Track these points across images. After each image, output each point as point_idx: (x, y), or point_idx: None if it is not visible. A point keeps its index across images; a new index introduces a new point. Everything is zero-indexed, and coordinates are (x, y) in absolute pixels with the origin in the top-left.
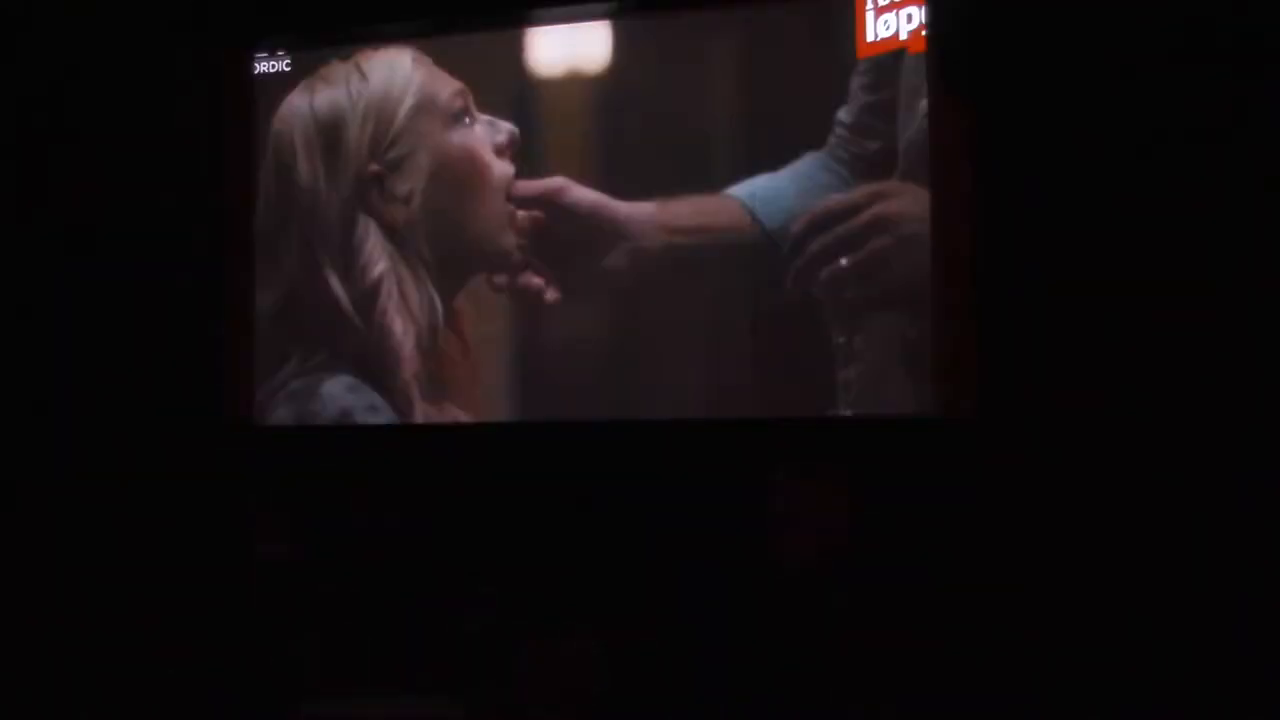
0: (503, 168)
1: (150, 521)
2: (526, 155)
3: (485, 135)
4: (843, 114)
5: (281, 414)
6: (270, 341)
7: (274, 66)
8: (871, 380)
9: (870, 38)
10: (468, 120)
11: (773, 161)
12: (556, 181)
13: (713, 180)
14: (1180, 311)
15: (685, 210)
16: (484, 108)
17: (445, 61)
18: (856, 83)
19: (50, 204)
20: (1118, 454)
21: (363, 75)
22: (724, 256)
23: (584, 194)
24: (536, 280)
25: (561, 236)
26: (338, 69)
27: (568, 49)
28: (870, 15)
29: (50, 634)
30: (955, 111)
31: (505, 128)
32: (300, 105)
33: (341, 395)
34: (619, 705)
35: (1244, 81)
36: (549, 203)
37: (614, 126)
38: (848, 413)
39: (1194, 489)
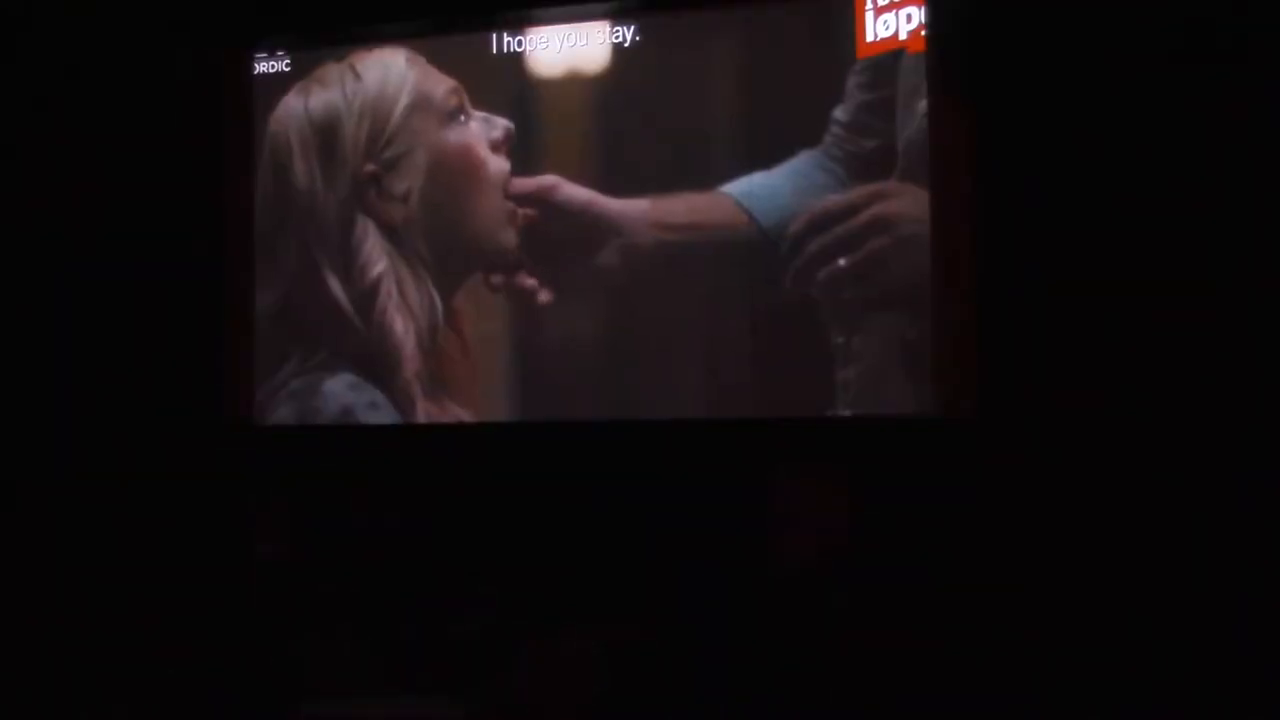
0: (499, 163)
1: (150, 521)
2: (523, 154)
3: (480, 132)
4: (839, 112)
5: (283, 413)
6: (270, 341)
7: (274, 66)
8: (871, 380)
9: (870, 38)
10: (462, 118)
11: (772, 161)
12: (548, 179)
13: (712, 180)
14: (1180, 311)
15: (679, 207)
16: (480, 106)
17: (439, 60)
18: (853, 81)
19: (50, 204)
20: (1118, 454)
21: (357, 76)
22: (719, 254)
23: (575, 191)
24: (530, 281)
25: (556, 235)
26: (332, 70)
27: (565, 48)
28: (870, 15)
29: (50, 634)
30: (955, 111)
31: (500, 124)
32: (295, 107)
33: (343, 393)
34: (619, 705)
35: (1244, 81)
36: (541, 201)
37: (611, 125)
38: (847, 413)
39: (1194, 489)
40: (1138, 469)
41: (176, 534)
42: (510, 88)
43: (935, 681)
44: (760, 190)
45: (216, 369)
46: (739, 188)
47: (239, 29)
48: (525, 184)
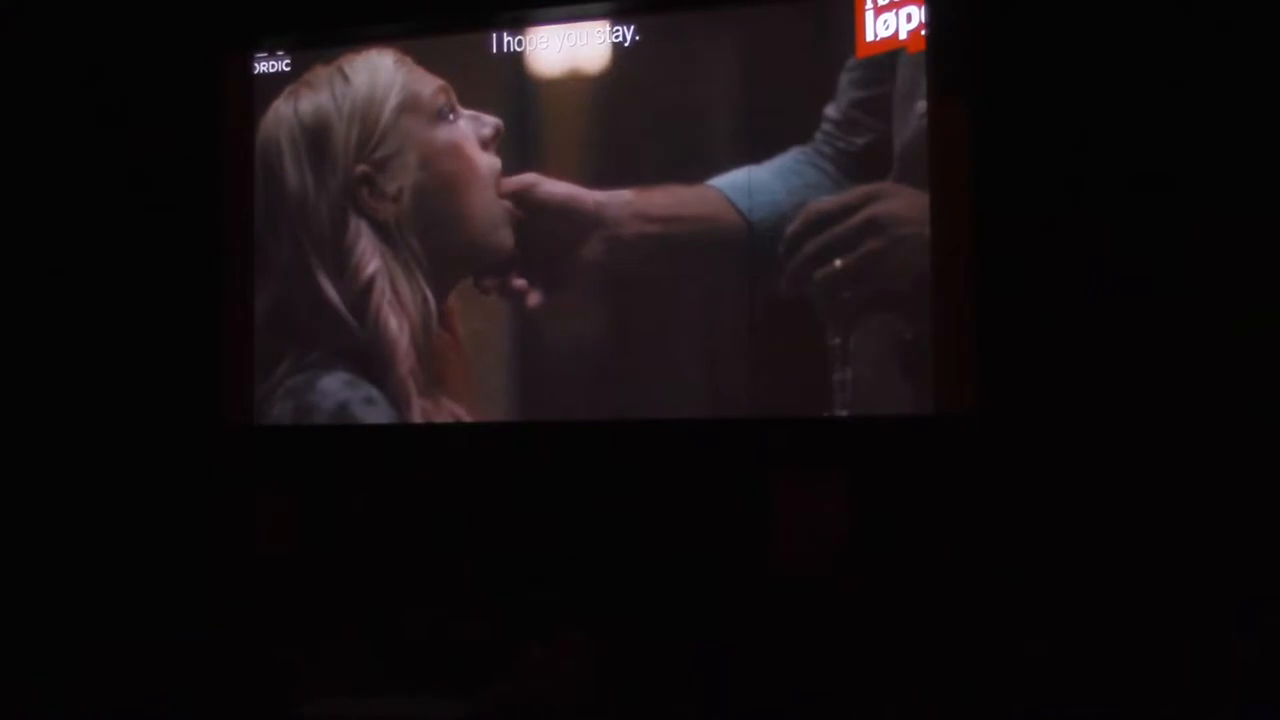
0: (489, 161)
1: (150, 521)
2: (522, 152)
3: (470, 130)
4: (830, 110)
5: (280, 410)
6: (265, 341)
7: (274, 66)
8: (867, 381)
9: (870, 37)
10: (451, 116)
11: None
12: (527, 177)
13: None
14: (1178, 311)
15: (663, 199)
16: (479, 105)
17: (438, 60)
18: (845, 79)
19: (51, 204)
20: (1115, 452)
21: (345, 78)
22: (707, 247)
23: (555, 186)
24: (519, 282)
25: (545, 234)
26: (320, 73)
27: (564, 48)
28: (870, 15)
29: (50, 633)
30: (954, 111)
31: (490, 121)
32: (285, 111)
33: (339, 389)
34: (618, 704)
35: (1243, 82)
36: (522, 199)
37: (610, 124)
38: (843, 413)
39: (1192, 486)
40: (1135, 467)
41: (177, 534)
42: (509, 87)
43: (935, 680)
44: (746, 183)
45: (216, 369)
46: (726, 181)
47: (239, 29)
48: (507, 184)
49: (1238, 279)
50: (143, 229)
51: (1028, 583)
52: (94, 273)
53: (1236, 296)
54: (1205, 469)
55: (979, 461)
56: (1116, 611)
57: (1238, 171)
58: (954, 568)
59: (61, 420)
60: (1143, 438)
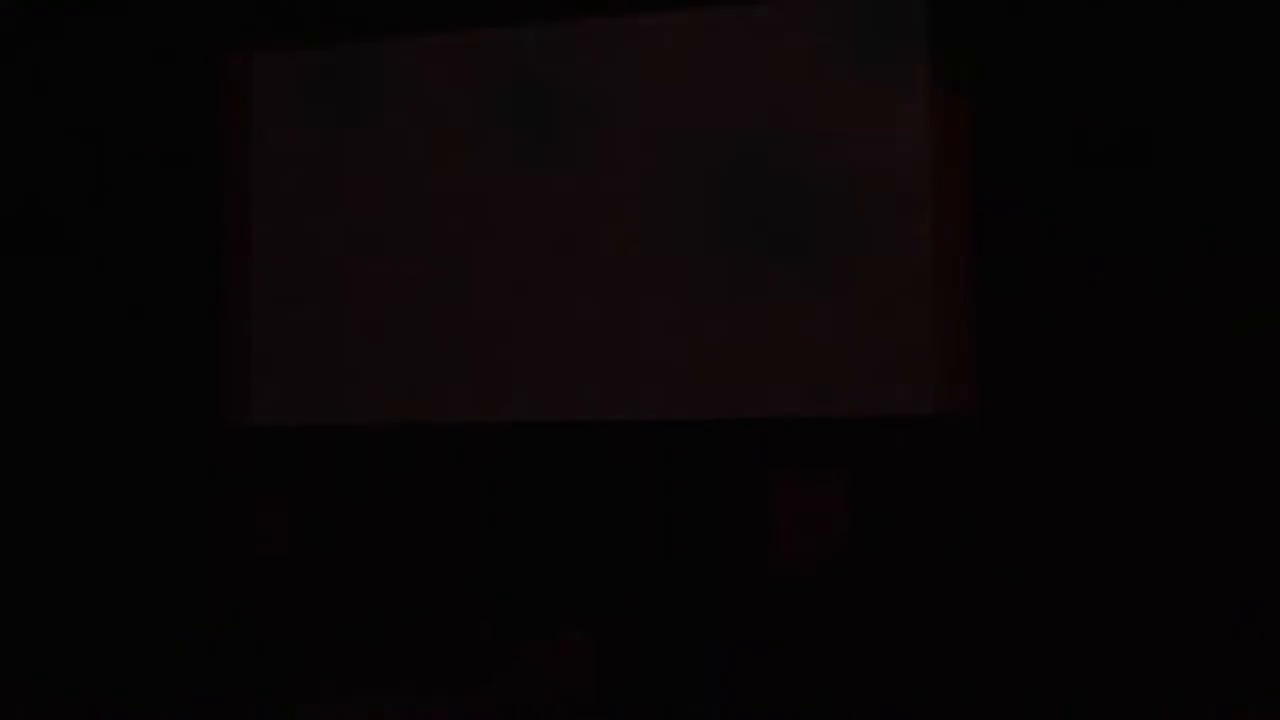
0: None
1: (150, 521)
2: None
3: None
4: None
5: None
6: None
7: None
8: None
9: None
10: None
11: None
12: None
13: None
14: (1180, 310)
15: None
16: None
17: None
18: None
19: (50, 204)
20: (1117, 453)
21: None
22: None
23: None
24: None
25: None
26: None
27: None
28: None
29: (49, 634)
30: (954, 111)
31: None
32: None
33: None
34: (617, 706)
35: (1243, 81)
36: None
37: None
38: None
39: (1194, 486)
40: (1137, 468)
41: (176, 534)
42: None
43: (936, 681)
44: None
45: (216, 369)
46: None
47: (239, 29)
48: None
49: (1240, 279)
50: (142, 229)
51: (1028, 583)
52: (93, 273)
53: (1238, 297)
54: (1207, 469)
55: (979, 462)
56: (1117, 612)
57: (1242, 173)
58: (954, 568)
59: (60, 420)
60: (1144, 438)
